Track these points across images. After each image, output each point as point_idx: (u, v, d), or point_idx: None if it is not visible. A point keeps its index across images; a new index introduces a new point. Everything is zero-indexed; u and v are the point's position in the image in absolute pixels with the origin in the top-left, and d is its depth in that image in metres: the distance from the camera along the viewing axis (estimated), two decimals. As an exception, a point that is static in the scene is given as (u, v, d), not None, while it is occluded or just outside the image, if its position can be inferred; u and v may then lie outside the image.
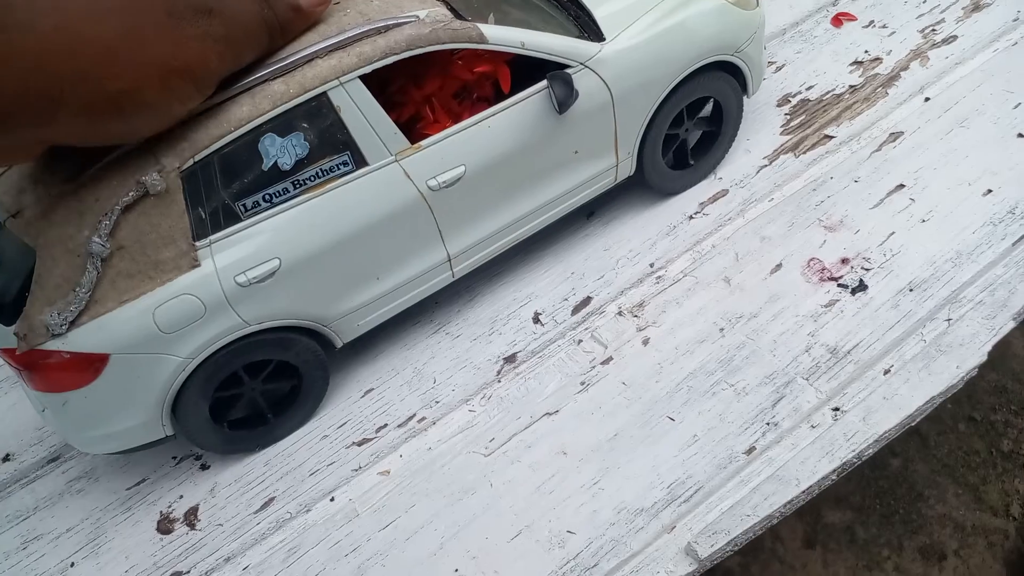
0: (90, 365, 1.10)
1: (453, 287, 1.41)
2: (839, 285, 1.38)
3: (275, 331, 1.22)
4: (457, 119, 1.25)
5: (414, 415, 1.34)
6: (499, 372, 1.38)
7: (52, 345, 1.07)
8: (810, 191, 1.53)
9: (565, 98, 1.24)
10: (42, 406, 1.18)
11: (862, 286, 1.37)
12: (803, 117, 1.66)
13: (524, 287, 1.50)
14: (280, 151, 1.12)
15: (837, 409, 1.23)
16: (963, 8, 1.80)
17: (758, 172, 1.59)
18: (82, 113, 0.89)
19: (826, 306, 1.36)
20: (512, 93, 1.26)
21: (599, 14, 1.34)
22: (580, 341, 1.40)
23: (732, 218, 1.53)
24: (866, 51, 1.76)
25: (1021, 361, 2.75)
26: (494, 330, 1.45)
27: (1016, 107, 1.57)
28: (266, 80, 1.09)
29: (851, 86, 1.69)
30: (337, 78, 1.12)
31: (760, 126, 1.66)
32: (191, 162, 1.07)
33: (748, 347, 1.33)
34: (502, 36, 1.22)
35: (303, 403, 1.34)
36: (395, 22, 1.15)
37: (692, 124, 1.49)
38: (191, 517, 1.28)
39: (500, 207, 1.33)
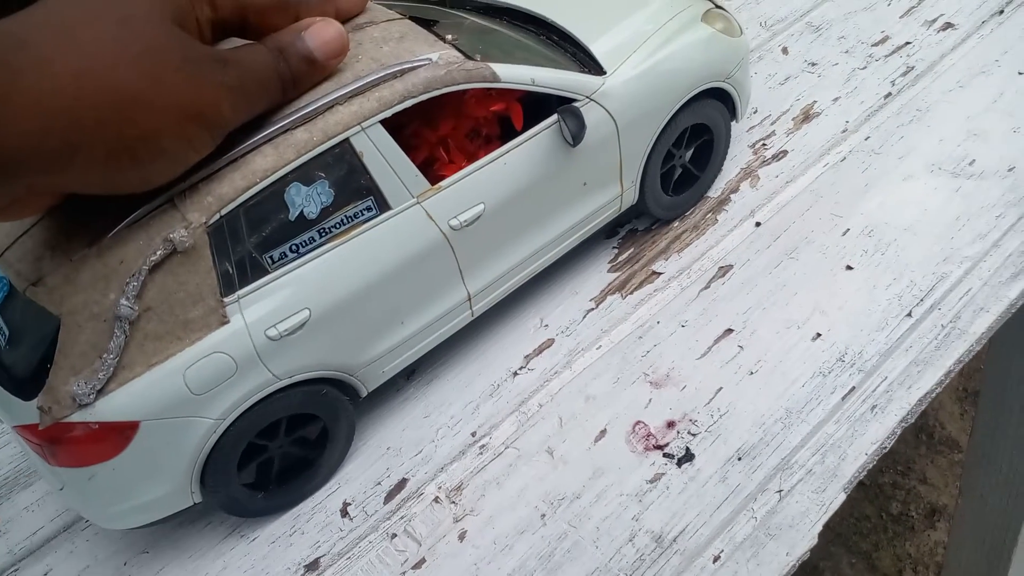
0: (120, 434, 1.04)
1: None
2: (665, 455, 1.27)
3: (303, 384, 1.19)
4: (472, 158, 1.26)
5: (194, 653, 1.17)
6: (298, 584, 1.22)
7: (79, 416, 1.00)
8: (636, 338, 1.43)
9: (578, 130, 1.26)
10: (60, 484, 1.10)
11: (688, 456, 1.26)
12: (632, 250, 1.57)
13: (334, 469, 1.35)
14: (306, 200, 1.09)
15: (663, 611, 1.12)
16: (793, 119, 1.75)
17: (584, 317, 1.48)
18: (99, 160, 0.84)
19: (651, 481, 1.24)
20: (522, 130, 1.28)
21: (596, 48, 1.38)
22: (394, 536, 1.26)
23: (559, 371, 1.42)
24: (697, 170, 1.68)
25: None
26: (296, 528, 1.29)
27: (844, 234, 1.51)
28: (288, 129, 1.06)
29: (681, 212, 1.61)
30: (359, 123, 1.10)
31: (588, 263, 1.56)
32: (217, 216, 1.03)
33: (570, 537, 1.21)
34: (513, 74, 1.23)
35: (329, 457, 1.30)
36: (410, 66, 1.14)
37: (685, 151, 1.53)
38: None
39: (516, 243, 1.35)
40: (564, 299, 1.52)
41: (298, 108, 1.08)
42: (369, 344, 1.26)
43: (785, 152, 1.69)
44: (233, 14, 1.00)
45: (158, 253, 1.01)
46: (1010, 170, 1.56)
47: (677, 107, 1.43)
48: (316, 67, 1.07)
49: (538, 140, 1.30)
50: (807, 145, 1.69)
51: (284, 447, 1.26)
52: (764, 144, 1.71)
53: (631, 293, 1.50)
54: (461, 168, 1.25)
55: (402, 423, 1.40)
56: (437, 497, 1.29)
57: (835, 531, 3.36)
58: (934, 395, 1.28)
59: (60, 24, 0.83)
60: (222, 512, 1.26)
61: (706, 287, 1.48)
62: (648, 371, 1.38)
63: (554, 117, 1.29)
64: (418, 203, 1.21)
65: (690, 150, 1.55)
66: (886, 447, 1.24)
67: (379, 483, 1.33)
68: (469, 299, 1.35)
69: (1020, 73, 1.75)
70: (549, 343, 1.46)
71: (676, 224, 1.59)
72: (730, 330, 1.41)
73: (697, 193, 1.62)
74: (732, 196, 1.62)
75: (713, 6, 1.54)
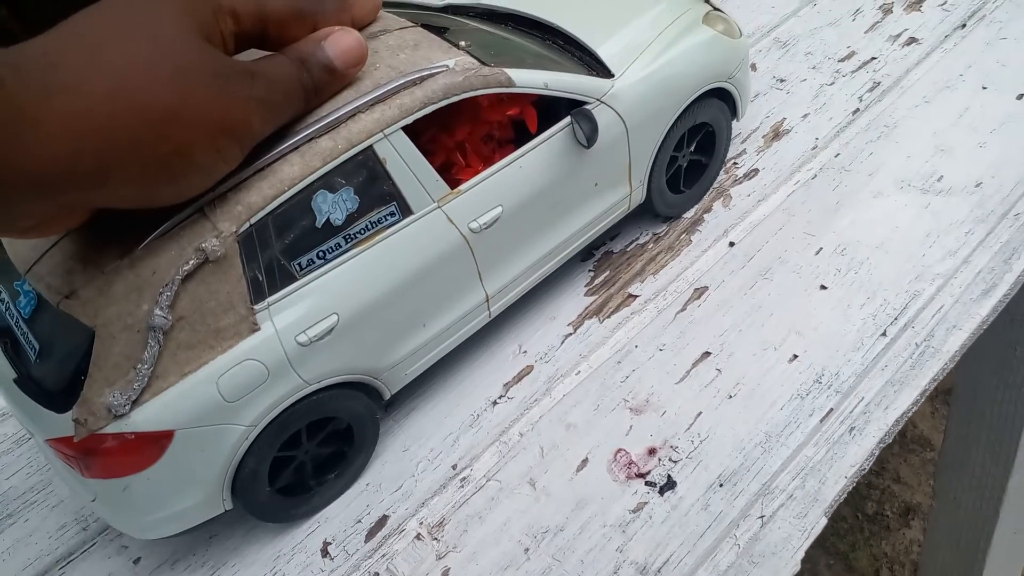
0: (155, 444, 1.04)
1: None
2: (647, 483, 1.27)
3: (331, 389, 1.20)
4: (488, 162, 1.28)
5: None
6: (280, 629, 1.20)
7: (114, 428, 1.00)
8: (615, 363, 1.42)
9: (591, 132, 1.29)
10: (92, 495, 1.09)
11: (670, 483, 1.26)
12: (608, 273, 1.57)
13: (313, 507, 1.33)
14: (332, 207, 1.10)
15: (650, 644, 1.11)
16: (763, 137, 1.76)
17: (563, 343, 1.48)
18: (133, 177, 0.85)
19: (634, 511, 1.24)
20: (536, 133, 1.31)
21: (603, 52, 1.40)
22: (376, 575, 1.24)
23: (539, 399, 1.41)
24: (670, 190, 1.68)
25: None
26: (276, 570, 1.27)
27: (818, 253, 1.52)
28: (313, 138, 1.07)
29: (655, 233, 1.61)
30: (381, 131, 1.12)
31: (565, 286, 1.56)
32: (247, 225, 1.04)
33: (555, 571, 1.20)
34: (528, 79, 1.25)
35: (354, 459, 1.32)
36: (428, 73, 1.15)
37: (689, 151, 1.55)
38: None
39: (532, 244, 1.37)
40: (542, 324, 1.51)
41: (321, 117, 1.09)
42: (393, 347, 1.28)
43: (756, 170, 1.69)
44: (254, 26, 1.00)
45: (190, 263, 1.02)
46: (977, 186, 1.58)
47: (683, 107, 1.47)
48: (337, 76, 1.08)
49: (552, 143, 1.33)
50: (778, 163, 1.70)
51: (311, 452, 1.26)
52: (735, 163, 1.72)
53: (608, 317, 1.50)
54: (478, 172, 1.27)
55: (381, 457, 1.38)
56: (419, 534, 1.28)
57: (813, 534, 3.38)
58: (910, 414, 1.30)
59: (90, 44, 0.82)
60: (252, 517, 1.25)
61: (682, 309, 1.48)
62: (628, 397, 1.38)
63: (567, 120, 1.32)
64: (439, 207, 1.23)
65: (693, 149, 1.57)
66: (865, 469, 1.24)
67: (359, 520, 1.31)
68: (487, 300, 1.37)
69: (984, 88, 1.77)
70: (528, 370, 1.45)
71: (651, 245, 1.59)
72: (708, 353, 1.41)
73: (701, 190, 1.64)
74: (705, 216, 1.63)
75: (712, 9, 1.57)
